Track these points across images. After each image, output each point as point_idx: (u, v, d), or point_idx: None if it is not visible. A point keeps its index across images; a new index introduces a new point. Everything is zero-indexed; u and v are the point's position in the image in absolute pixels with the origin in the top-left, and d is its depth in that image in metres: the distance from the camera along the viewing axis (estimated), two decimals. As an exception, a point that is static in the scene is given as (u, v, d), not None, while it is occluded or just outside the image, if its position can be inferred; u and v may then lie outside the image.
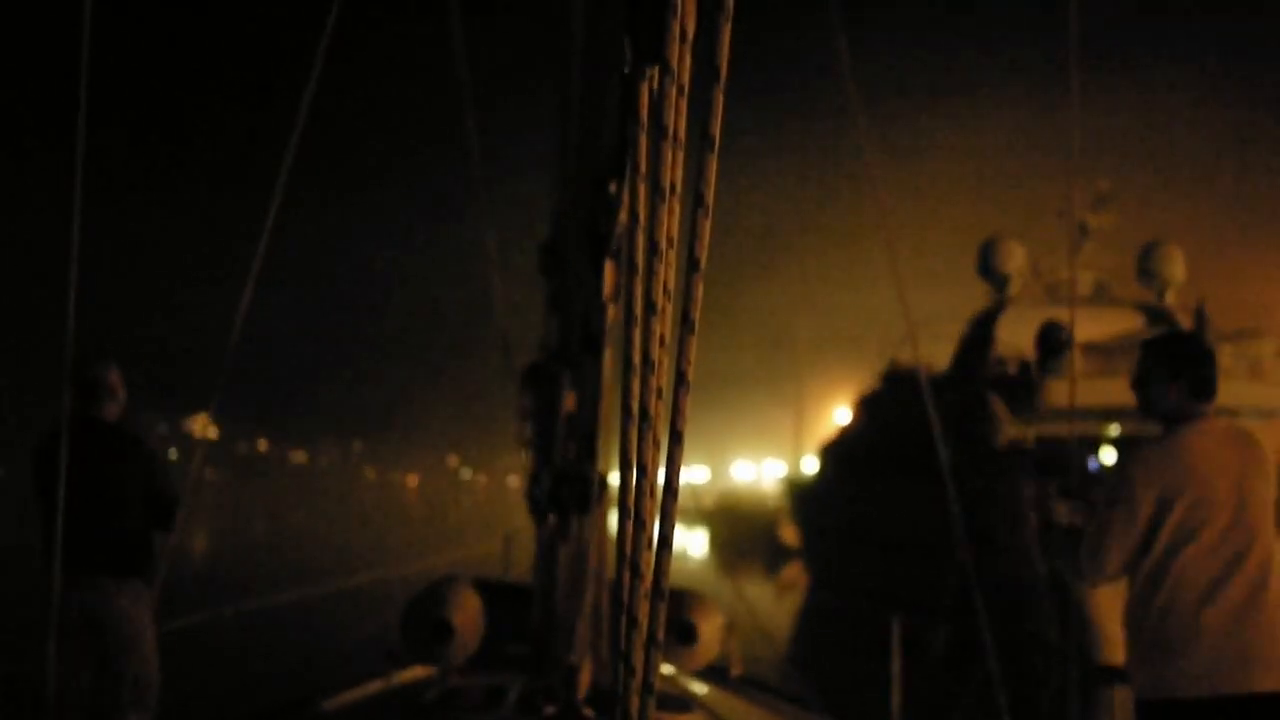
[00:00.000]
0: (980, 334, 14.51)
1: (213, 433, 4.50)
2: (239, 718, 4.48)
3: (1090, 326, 12.87)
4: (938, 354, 15.46)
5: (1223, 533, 2.68)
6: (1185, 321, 13.00)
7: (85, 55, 2.58)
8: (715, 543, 31.55)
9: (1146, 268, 15.44)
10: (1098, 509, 2.86)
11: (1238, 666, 2.61)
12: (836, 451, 19.99)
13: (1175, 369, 2.78)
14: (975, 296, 15.90)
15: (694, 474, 64.34)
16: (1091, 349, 12.55)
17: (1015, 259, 15.51)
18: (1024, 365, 12.61)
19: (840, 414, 24.91)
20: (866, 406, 18.79)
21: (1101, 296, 15.46)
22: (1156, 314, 14.47)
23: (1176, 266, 15.33)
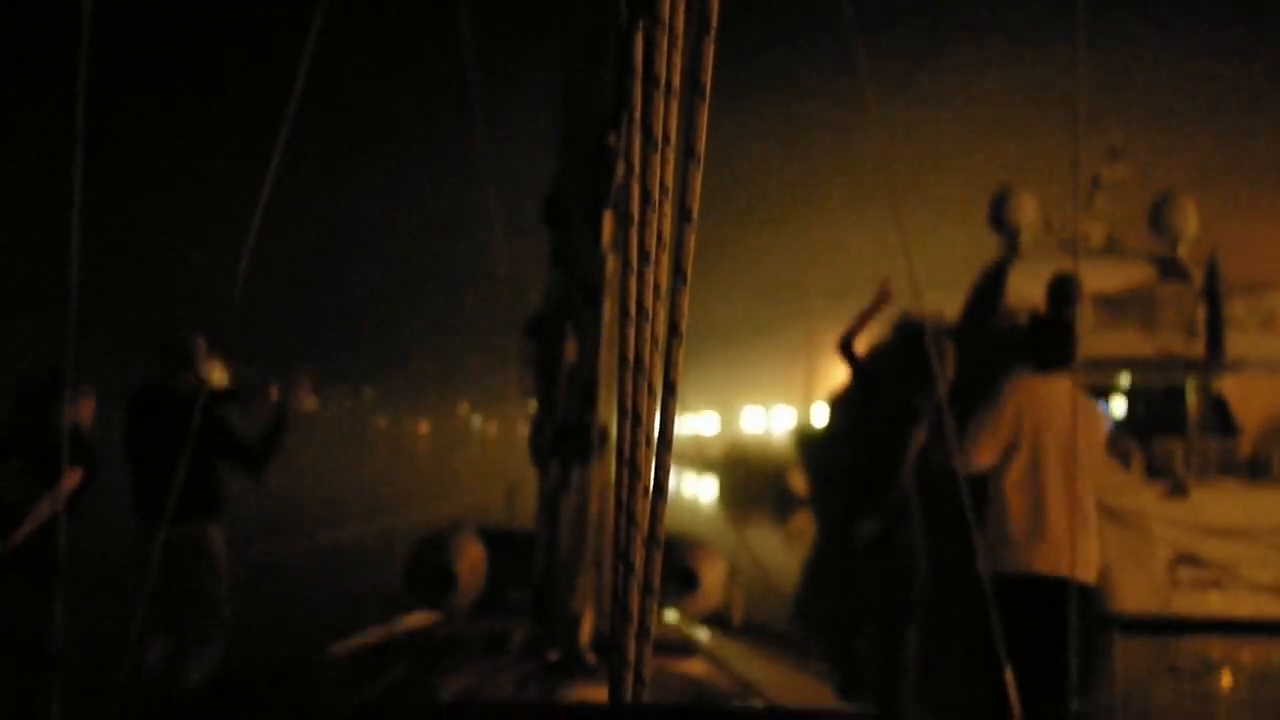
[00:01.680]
0: (991, 285, 14.45)
1: (225, 381, 4.73)
2: (244, 666, 4.56)
3: (1102, 278, 12.81)
4: (949, 304, 15.41)
5: (1059, 464, 3.65)
6: (1197, 274, 12.94)
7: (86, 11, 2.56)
8: (724, 491, 31.73)
9: (1159, 220, 15.32)
10: (978, 412, 3.84)
11: (1048, 549, 3.62)
12: (846, 401, 19.97)
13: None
14: (988, 247, 15.80)
15: (703, 422, 64.37)
16: (1103, 301, 12.52)
17: (1027, 211, 15.37)
18: (1035, 317, 12.57)
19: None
20: (877, 358, 18.68)
21: (1114, 249, 15.36)
22: (1168, 266, 14.40)
23: (1189, 219, 15.20)
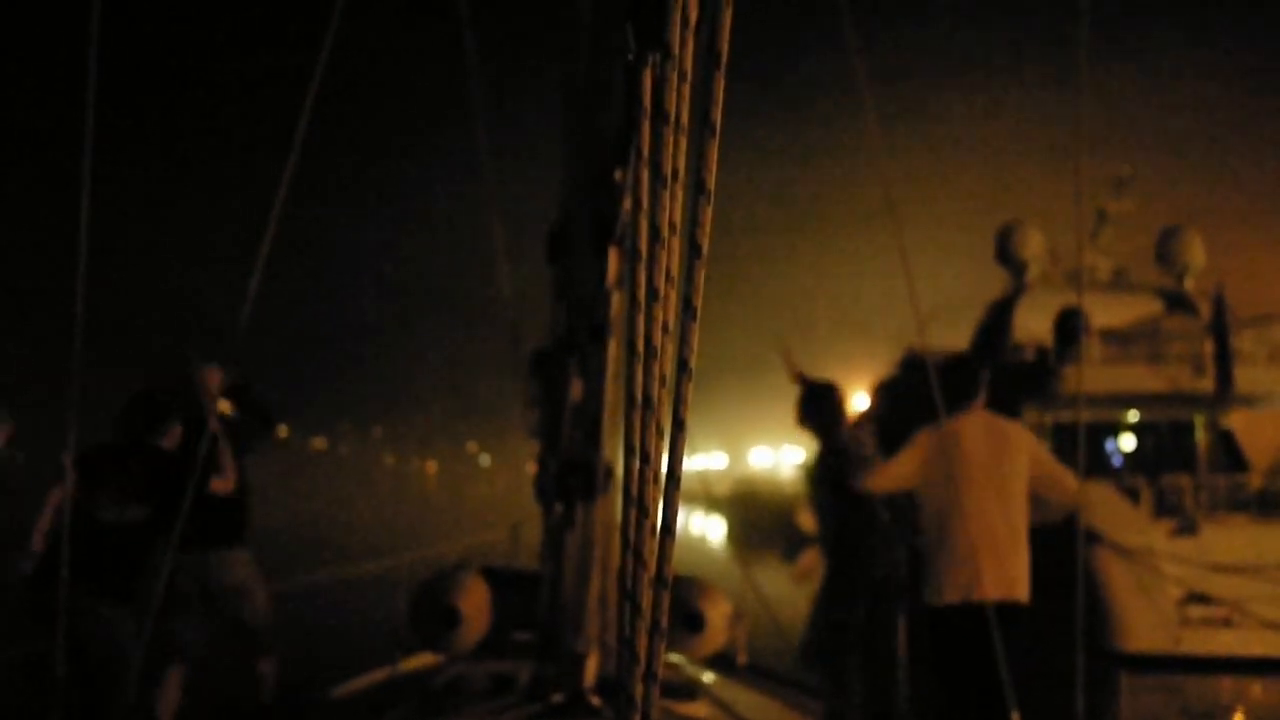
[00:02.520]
0: (998, 320, 14.47)
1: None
2: (247, 705, 4.53)
3: (1109, 312, 12.80)
4: (956, 340, 15.39)
5: (974, 486, 3.89)
6: (1204, 307, 12.93)
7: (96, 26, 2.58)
8: (732, 530, 31.53)
9: (1165, 253, 15.36)
10: (893, 451, 4.21)
11: (976, 578, 3.83)
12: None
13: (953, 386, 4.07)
14: (995, 282, 15.83)
15: (712, 461, 64.12)
16: (1110, 335, 12.51)
17: (1033, 244, 15.43)
18: (1041, 352, 12.58)
19: (858, 400, 24.72)
20: (884, 392, 18.63)
21: (1120, 282, 15.39)
22: (1176, 299, 14.40)
23: (1196, 251, 15.24)
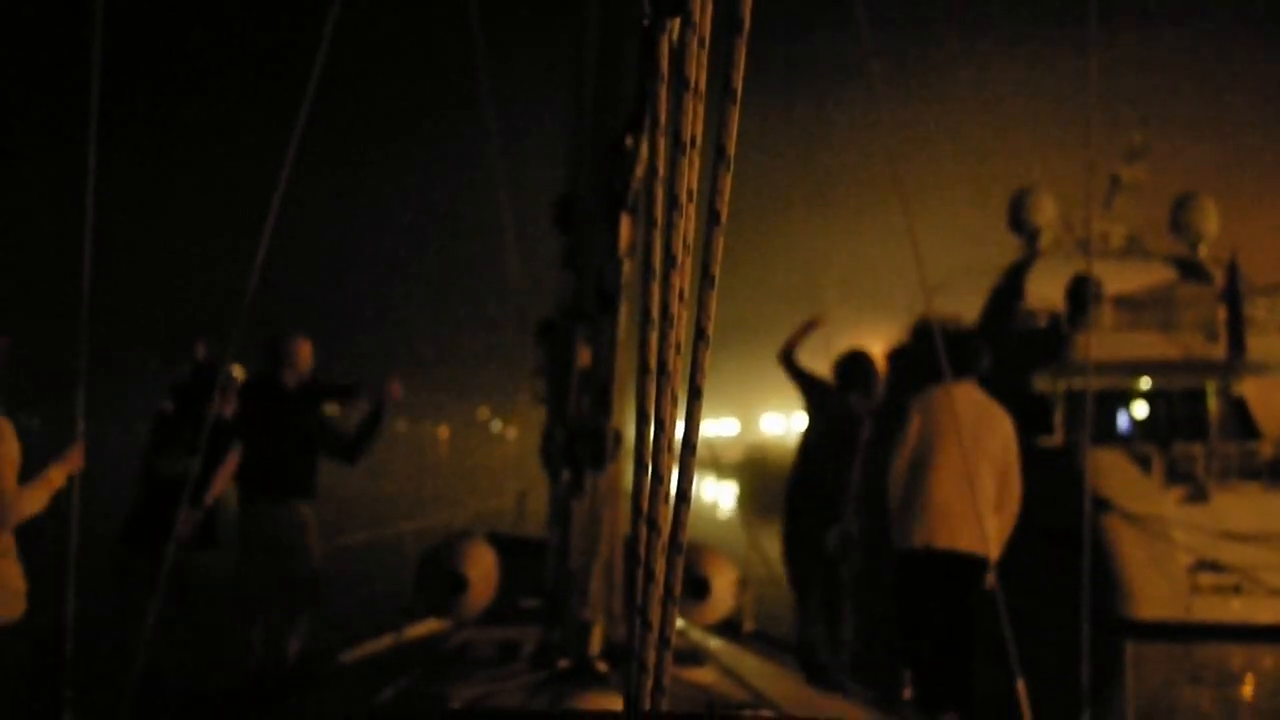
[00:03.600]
0: (1010, 287, 14.39)
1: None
2: (252, 671, 4.59)
3: (1122, 280, 12.71)
4: (968, 308, 15.31)
5: (958, 451, 4.19)
6: (1218, 274, 12.83)
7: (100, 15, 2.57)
8: (743, 496, 31.59)
9: (1179, 220, 15.24)
10: (896, 431, 4.52)
11: (950, 528, 4.21)
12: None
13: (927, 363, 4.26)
14: (1008, 250, 15.71)
15: (723, 427, 64.07)
16: (1123, 302, 12.43)
17: (1046, 211, 15.31)
18: (1054, 318, 12.52)
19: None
20: (896, 360, 18.59)
21: (1134, 250, 15.27)
22: (1189, 267, 14.29)
23: (1210, 219, 15.11)
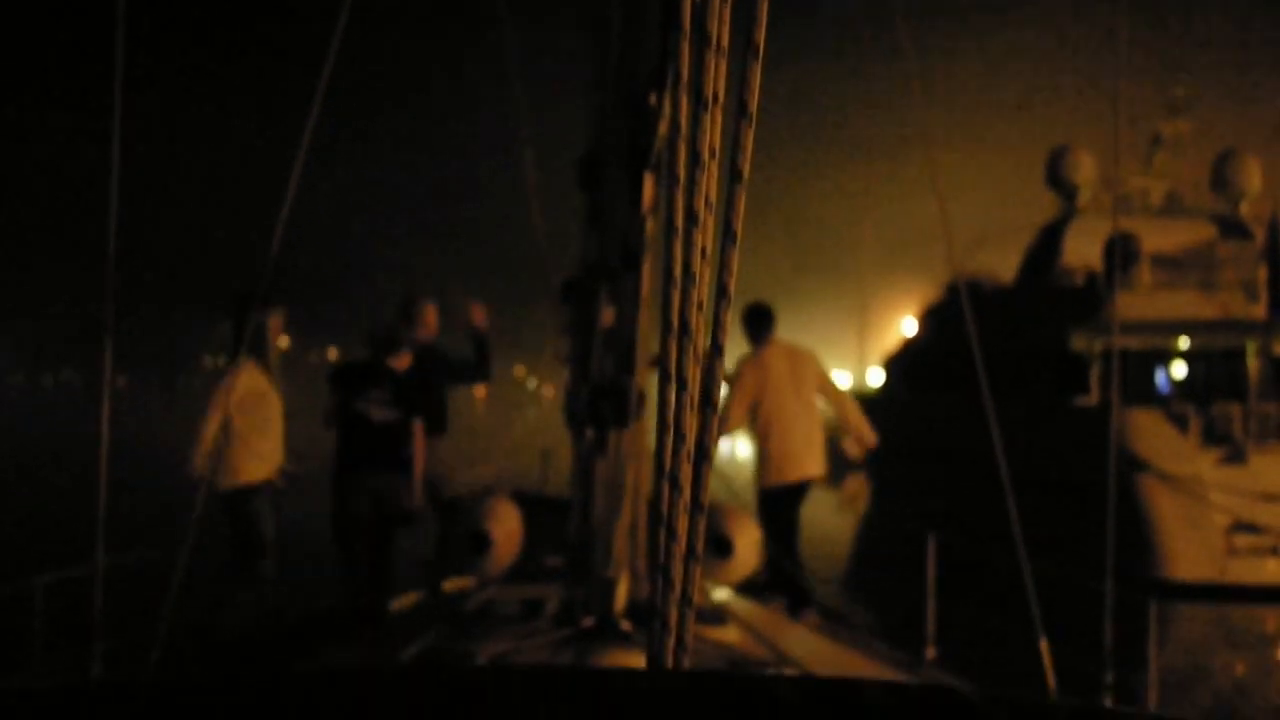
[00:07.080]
0: (1047, 244, 14.17)
1: (285, 342, 5.34)
2: (281, 625, 4.67)
3: (1161, 237, 12.47)
4: (1005, 264, 15.09)
5: (783, 398, 5.31)
6: (1260, 232, 12.55)
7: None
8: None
9: (1221, 176, 14.90)
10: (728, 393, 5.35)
11: (794, 465, 5.30)
12: (902, 363, 19.62)
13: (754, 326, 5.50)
14: (1045, 206, 15.46)
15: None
16: (1161, 260, 12.19)
17: (1084, 169, 15.02)
18: (1091, 277, 12.31)
19: (906, 325, 24.29)
20: (932, 318, 18.31)
21: (1174, 207, 14.97)
22: (1230, 224, 13.99)
23: (1252, 176, 14.78)
